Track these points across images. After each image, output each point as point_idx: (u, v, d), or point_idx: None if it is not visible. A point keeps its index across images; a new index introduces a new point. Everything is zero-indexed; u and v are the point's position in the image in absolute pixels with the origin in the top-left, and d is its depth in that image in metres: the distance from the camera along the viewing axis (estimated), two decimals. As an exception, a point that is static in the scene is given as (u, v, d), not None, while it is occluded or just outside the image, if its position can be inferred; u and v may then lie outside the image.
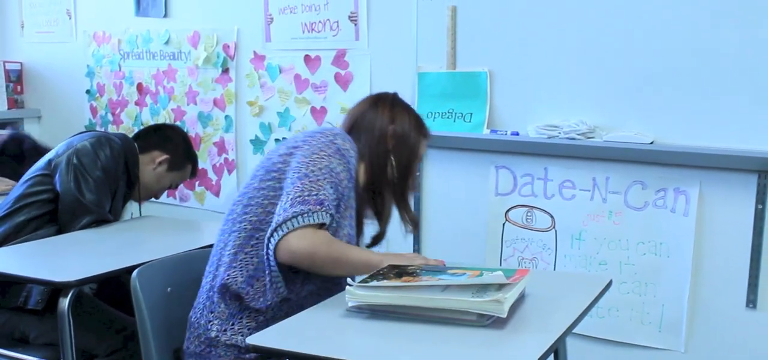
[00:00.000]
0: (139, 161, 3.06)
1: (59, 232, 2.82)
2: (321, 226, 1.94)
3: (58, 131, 4.45)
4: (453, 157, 3.29)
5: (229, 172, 4.03)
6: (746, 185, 2.75)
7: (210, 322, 2.03)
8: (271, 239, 1.92)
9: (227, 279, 2.01)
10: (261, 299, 1.99)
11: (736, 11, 2.69)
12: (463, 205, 3.30)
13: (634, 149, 2.86)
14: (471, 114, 3.22)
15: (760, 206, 2.73)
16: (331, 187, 1.96)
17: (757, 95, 2.69)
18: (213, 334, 2.01)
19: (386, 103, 2.23)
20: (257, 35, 3.84)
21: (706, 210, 2.83)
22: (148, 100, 4.29)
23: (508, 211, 3.20)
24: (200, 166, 4.03)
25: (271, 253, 1.93)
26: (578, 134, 2.97)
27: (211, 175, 4.10)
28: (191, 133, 4.10)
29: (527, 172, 3.14)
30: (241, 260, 2.01)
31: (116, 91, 4.42)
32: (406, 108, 2.26)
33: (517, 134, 3.12)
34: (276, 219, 1.92)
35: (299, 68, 3.72)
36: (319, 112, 3.68)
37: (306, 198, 1.92)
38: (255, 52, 3.86)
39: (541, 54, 3.06)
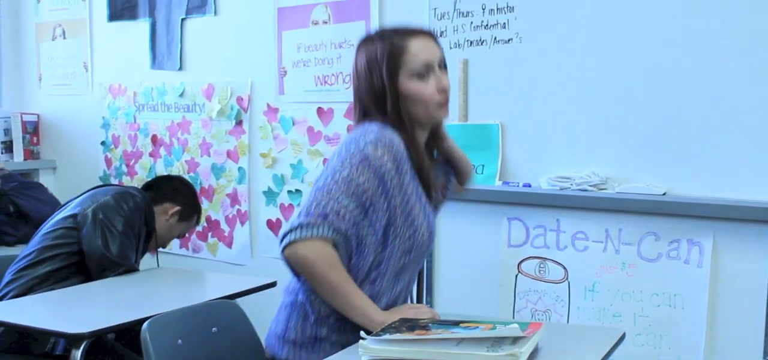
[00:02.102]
0: (154, 213, 3.13)
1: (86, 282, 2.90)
2: (328, 240, 1.90)
3: (72, 182, 4.49)
4: (465, 209, 3.29)
5: (242, 223, 4.04)
6: (761, 236, 2.73)
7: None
8: (281, 244, 1.93)
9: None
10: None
11: (748, 61, 2.71)
12: (476, 257, 3.30)
13: (647, 200, 2.86)
14: (483, 166, 3.23)
15: (775, 257, 2.71)
16: (349, 199, 1.89)
17: (768, 146, 2.69)
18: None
19: (356, 51, 2.10)
20: (271, 88, 3.88)
21: (720, 261, 2.81)
22: (162, 151, 4.33)
23: (520, 262, 3.19)
24: (213, 217, 4.07)
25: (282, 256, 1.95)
26: (590, 186, 2.97)
27: (223, 226, 4.11)
28: (204, 185, 4.13)
29: (540, 224, 3.13)
30: None
31: (131, 142, 4.46)
32: (373, 36, 2.09)
33: (529, 186, 3.12)
34: (283, 226, 1.93)
35: (312, 120, 3.74)
36: (331, 164, 3.69)
37: (311, 210, 1.89)
38: (268, 105, 3.90)
39: (553, 106, 3.07)
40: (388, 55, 1.98)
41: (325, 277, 1.91)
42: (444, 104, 2.03)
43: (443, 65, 2.05)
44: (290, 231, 1.90)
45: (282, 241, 1.92)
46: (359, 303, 1.94)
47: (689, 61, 2.81)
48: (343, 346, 1.95)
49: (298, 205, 3.80)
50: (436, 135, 2.14)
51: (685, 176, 2.86)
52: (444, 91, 2.01)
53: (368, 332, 1.82)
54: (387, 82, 1.98)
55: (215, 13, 4.08)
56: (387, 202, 1.94)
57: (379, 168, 1.91)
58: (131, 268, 3.00)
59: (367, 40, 2.08)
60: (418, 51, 1.99)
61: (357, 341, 1.77)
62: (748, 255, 2.77)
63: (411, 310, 2.00)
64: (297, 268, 1.95)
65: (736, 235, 2.78)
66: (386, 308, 2.02)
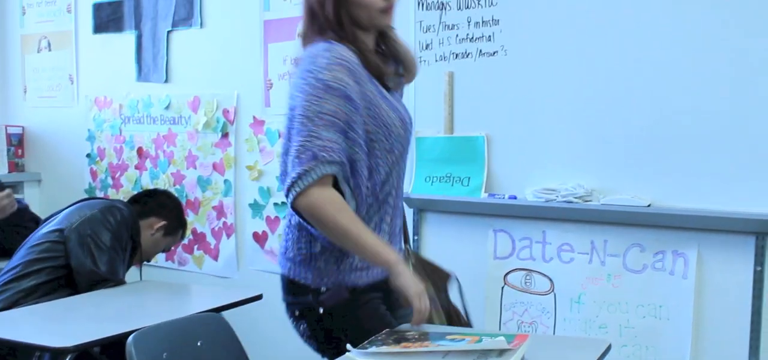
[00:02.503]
0: (140, 227, 3.12)
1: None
2: (326, 179, 1.92)
3: (58, 195, 4.47)
4: (451, 221, 3.30)
5: (228, 235, 4.03)
6: (744, 247, 2.75)
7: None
8: (288, 200, 1.95)
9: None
10: None
11: (732, 73, 2.73)
12: (462, 269, 3.25)
13: (632, 212, 2.87)
14: (469, 178, 3.24)
15: (758, 268, 2.73)
16: (328, 130, 1.91)
17: (753, 157, 2.71)
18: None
19: None
20: (257, 100, 3.88)
21: (705, 272, 2.83)
22: (147, 164, 4.32)
23: (506, 274, 3.20)
24: (199, 230, 4.06)
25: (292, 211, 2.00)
26: (576, 197, 2.98)
27: (210, 238, 4.10)
28: (190, 197, 4.12)
29: (525, 236, 3.15)
30: None
31: (116, 155, 4.44)
32: None
33: (515, 198, 3.13)
34: (284, 181, 1.95)
35: (298, 132, 3.74)
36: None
37: (301, 156, 1.90)
38: (255, 117, 3.90)
39: (538, 118, 3.09)
40: None
41: (333, 222, 1.93)
42: (387, 10, 2.07)
43: None
44: (291, 186, 1.92)
45: (287, 197, 1.95)
46: (370, 243, 1.96)
47: (673, 73, 2.83)
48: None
49: (284, 217, 3.80)
50: (383, 35, 2.17)
51: (669, 188, 2.87)
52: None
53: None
54: None
55: (201, 25, 4.08)
56: (359, 115, 1.97)
57: (342, 89, 1.94)
58: (120, 282, 3.00)
59: None
60: None
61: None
62: (732, 266, 2.79)
63: (413, 278, 2.00)
64: (307, 218, 1.97)
65: (720, 246, 2.80)
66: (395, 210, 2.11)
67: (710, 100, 2.77)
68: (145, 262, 3.30)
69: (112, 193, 4.42)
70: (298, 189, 1.90)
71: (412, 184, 3.37)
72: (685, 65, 2.81)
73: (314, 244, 2.03)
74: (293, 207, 1.95)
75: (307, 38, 2.07)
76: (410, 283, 1.95)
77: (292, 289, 2.08)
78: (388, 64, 2.16)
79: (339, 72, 1.94)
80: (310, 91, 1.93)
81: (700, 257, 2.83)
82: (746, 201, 2.73)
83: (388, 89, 2.11)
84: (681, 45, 2.81)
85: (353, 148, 1.97)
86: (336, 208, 1.93)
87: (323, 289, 2.03)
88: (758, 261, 2.73)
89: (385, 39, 2.18)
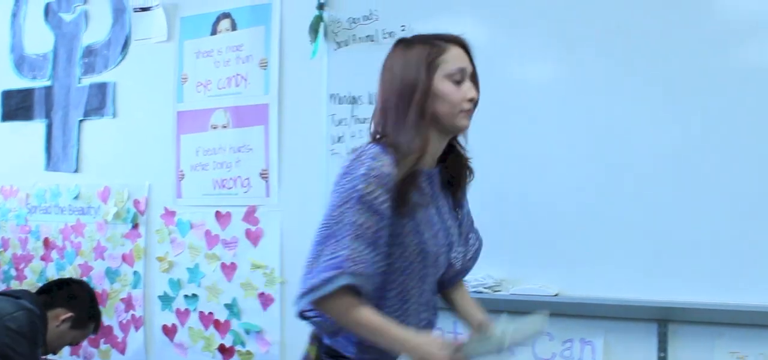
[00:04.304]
0: (46, 319, 3.01)
1: None
2: (349, 288, 1.86)
3: (-43, 288, 4.29)
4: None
5: (137, 328, 3.92)
6: (648, 334, 2.82)
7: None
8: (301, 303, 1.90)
9: None
10: None
11: (632, 167, 2.84)
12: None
13: (540, 301, 2.91)
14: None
15: (662, 354, 2.79)
16: (357, 241, 1.85)
17: (655, 247, 2.80)
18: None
19: (387, 57, 2.06)
20: (169, 191, 3.84)
21: (612, 359, 2.88)
22: (54, 255, 4.19)
23: (419, 365, 3.19)
24: (106, 322, 3.94)
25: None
26: (485, 287, 3.01)
27: (117, 332, 3.98)
28: (98, 289, 3.99)
29: (437, 328, 3.14)
30: None
31: (21, 245, 4.30)
32: (411, 38, 2.06)
33: (427, 288, 3.14)
34: (303, 283, 1.88)
35: (210, 224, 3.71)
36: (228, 268, 3.65)
37: (327, 262, 1.85)
38: (166, 208, 3.85)
39: (448, 209, 3.13)
40: (428, 53, 1.99)
41: (358, 323, 1.89)
42: (468, 114, 2.03)
43: (475, 79, 2.06)
44: (310, 291, 1.86)
45: (303, 298, 1.88)
46: (398, 334, 1.90)
47: (577, 165, 2.91)
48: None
49: (195, 309, 3.73)
50: (451, 147, 2.13)
51: (576, 277, 2.93)
52: (472, 102, 2.02)
53: None
54: (423, 76, 1.97)
55: (114, 115, 4.05)
56: (391, 227, 1.92)
57: (377, 205, 1.88)
58: None
59: (406, 41, 2.07)
60: (456, 57, 2.01)
61: None
62: (637, 354, 2.84)
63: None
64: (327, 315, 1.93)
65: (625, 333, 2.87)
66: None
67: (612, 192, 2.86)
68: (49, 355, 3.16)
69: (15, 285, 4.27)
70: (315, 296, 1.86)
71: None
72: (589, 157, 2.90)
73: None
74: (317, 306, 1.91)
75: (373, 135, 2.03)
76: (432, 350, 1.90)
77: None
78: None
79: (375, 187, 1.87)
80: (345, 198, 1.89)
81: (607, 345, 2.88)
82: (649, 289, 2.79)
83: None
84: (585, 138, 2.91)
85: (380, 256, 1.91)
86: (356, 310, 1.88)
87: None
88: (661, 348, 2.80)
89: (452, 153, 2.14)
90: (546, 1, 3.00)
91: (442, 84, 1.97)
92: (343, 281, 1.84)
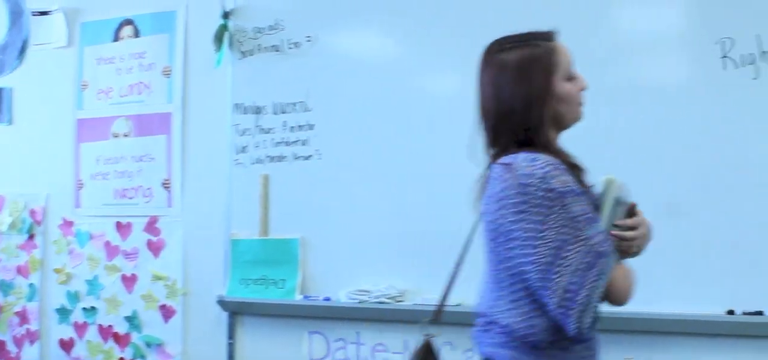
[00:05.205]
0: None
1: None
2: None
3: None
4: (266, 323, 3.27)
5: (32, 342, 3.80)
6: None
7: None
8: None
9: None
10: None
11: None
12: (277, 372, 3.27)
13: (443, 311, 2.95)
14: (284, 280, 3.24)
15: None
16: (592, 226, 1.76)
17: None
18: None
19: (486, 63, 1.96)
20: (67, 201, 3.74)
21: (511, 369, 2.93)
22: (-56, 268, 4.03)
23: (322, 376, 3.20)
24: (-1, 338, 3.81)
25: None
26: (389, 298, 3.04)
27: (10, 347, 3.84)
28: (-9, 303, 3.87)
29: (340, 337, 3.16)
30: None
31: None
32: (505, 45, 1.96)
33: (329, 299, 3.15)
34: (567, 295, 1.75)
35: (110, 235, 3.63)
36: (129, 280, 3.58)
37: (573, 298, 1.72)
38: (64, 218, 3.75)
39: (351, 220, 3.15)
40: (545, 56, 1.90)
41: (625, 277, 1.82)
42: (582, 103, 1.96)
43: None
44: (598, 278, 1.73)
45: (587, 298, 1.73)
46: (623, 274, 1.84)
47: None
48: None
49: (94, 322, 3.64)
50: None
51: (476, 287, 2.97)
52: (584, 91, 1.96)
53: None
54: (544, 84, 1.87)
55: (10, 122, 3.92)
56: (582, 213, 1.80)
57: (574, 189, 1.78)
58: None
59: (502, 50, 1.95)
60: (563, 53, 1.93)
61: None
62: None
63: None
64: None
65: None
66: None
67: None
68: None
69: None
70: (575, 326, 1.73)
71: (226, 287, 3.33)
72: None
73: None
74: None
75: (492, 151, 1.94)
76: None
77: None
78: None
79: (561, 174, 1.78)
80: (545, 210, 1.75)
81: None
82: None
83: None
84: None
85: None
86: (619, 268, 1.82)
87: None
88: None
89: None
90: (451, 13, 3.05)
91: (561, 86, 1.90)
92: (613, 259, 1.77)
